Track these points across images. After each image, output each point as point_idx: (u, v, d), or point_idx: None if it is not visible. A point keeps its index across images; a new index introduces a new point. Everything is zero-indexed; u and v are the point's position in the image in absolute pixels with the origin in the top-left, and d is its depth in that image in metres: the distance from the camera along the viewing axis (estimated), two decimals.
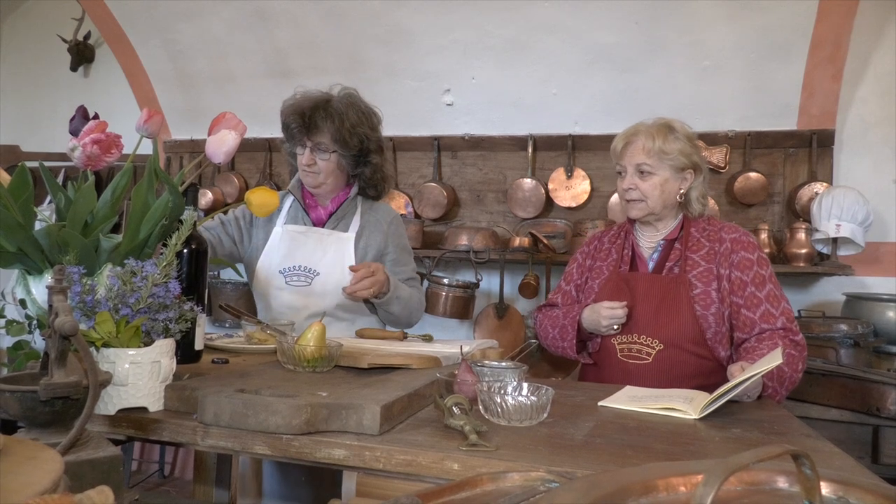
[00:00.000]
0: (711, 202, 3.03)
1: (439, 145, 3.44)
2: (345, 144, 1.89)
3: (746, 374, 1.28)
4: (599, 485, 0.53)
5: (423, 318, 3.28)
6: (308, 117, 1.86)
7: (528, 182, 3.28)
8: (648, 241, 1.81)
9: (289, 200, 2.04)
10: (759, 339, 1.61)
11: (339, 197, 2.01)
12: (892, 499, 0.52)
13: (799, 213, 2.96)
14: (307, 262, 1.92)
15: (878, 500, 0.53)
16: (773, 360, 1.28)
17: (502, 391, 1.16)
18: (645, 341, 1.68)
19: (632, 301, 1.70)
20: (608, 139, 3.13)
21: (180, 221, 1.29)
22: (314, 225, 1.99)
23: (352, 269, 1.82)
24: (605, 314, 1.68)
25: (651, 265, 1.78)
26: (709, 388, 1.47)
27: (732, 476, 0.47)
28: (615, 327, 1.69)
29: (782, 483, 0.56)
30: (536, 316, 1.98)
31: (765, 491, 0.56)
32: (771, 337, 1.60)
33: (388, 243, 2.01)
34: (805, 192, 2.94)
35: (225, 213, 1.98)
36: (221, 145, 1.38)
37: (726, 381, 1.39)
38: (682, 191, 1.76)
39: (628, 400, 1.34)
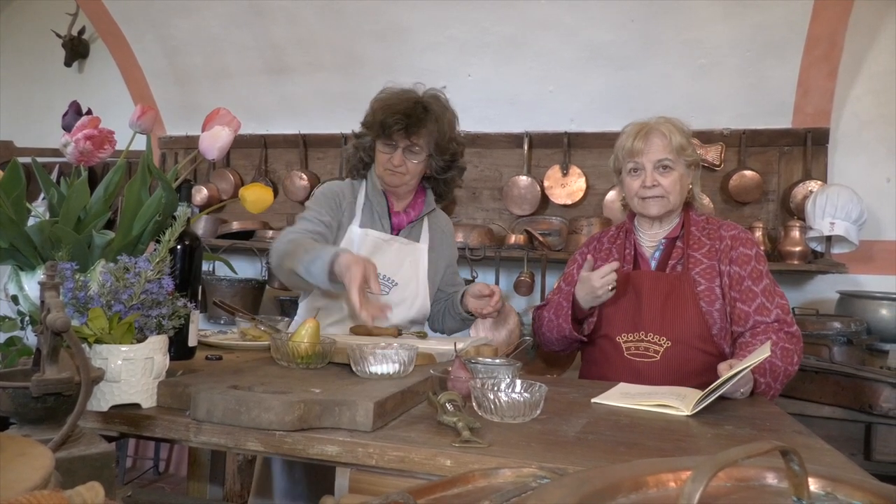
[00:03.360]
0: (706, 200, 3.04)
1: None
2: (442, 150, 1.85)
3: (736, 370, 1.28)
4: (589, 481, 0.53)
5: None
6: (414, 117, 1.78)
7: (523, 179, 3.28)
8: (650, 240, 1.81)
9: (361, 198, 1.91)
10: (753, 334, 1.62)
11: (418, 205, 1.94)
12: (879, 495, 0.52)
13: (793, 212, 2.97)
14: (387, 272, 1.83)
15: (865, 496, 0.53)
16: (761, 353, 1.28)
17: (495, 388, 1.16)
18: (652, 339, 1.68)
19: (637, 299, 1.71)
20: (604, 137, 3.19)
21: (174, 217, 1.28)
22: (392, 230, 1.91)
23: (483, 292, 1.79)
24: (597, 282, 1.65)
25: (654, 264, 1.78)
26: None
27: (722, 472, 0.47)
28: (610, 288, 1.66)
29: (771, 479, 0.57)
30: (533, 314, 1.98)
31: (754, 487, 0.56)
32: (765, 331, 1.60)
33: (451, 259, 2.01)
34: (800, 191, 2.95)
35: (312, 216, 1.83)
36: (215, 141, 1.38)
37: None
38: (690, 186, 1.79)
39: (621, 397, 1.35)
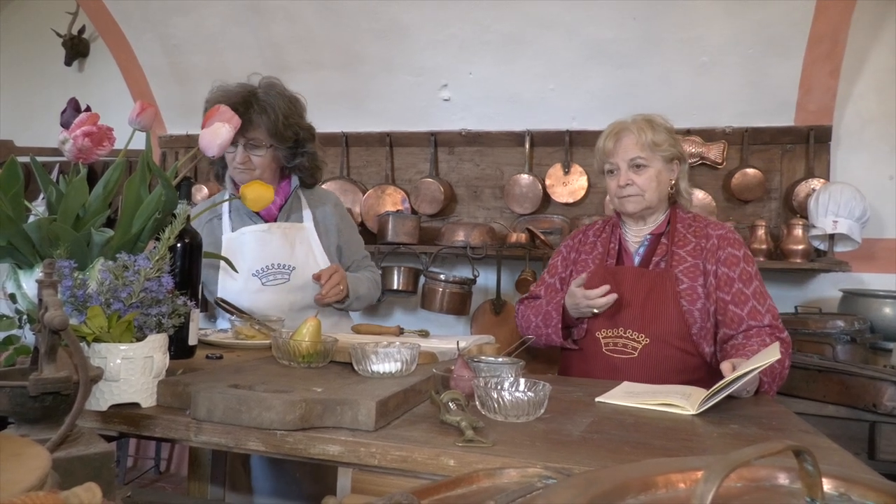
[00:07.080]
0: (709, 198, 3.03)
1: (436, 141, 3.42)
2: (281, 137, 1.86)
3: (746, 369, 1.27)
4: (597, 482, 0.52)
5: (419, 312, 3.28)
6: (241, 114, 1.77)
7: (525, 178, 3.27)
8: (635, 236, 1.81)
9: (225, 207, 1.95)
10: (746, 336, 1.61)
11: (282, 189, 1.97)
12: (894, 495, 0.51)
13: (796, 210, 2.96)
14: (280, 259, 1.88)
15: (880, 497, 0.52)
16: (770, 355, 1.27)
17: (499, 387, 1.15)
18: (631, 336, 1.67)
19: (618, 295, 1.69)
20: None
21: (174, 215, 1.27)
22: (266, 220, 1.94)
23: (315, 277, 1.82)
24: (583, 304, 1.65)
25: (637, 259, 1.77)
26: (694, 384, 1.47)
27: (733, 472, 0.46)
28: (595, 311, 1.66)
29: (783, 479, 0.55)
30: (518, 308, 1.95)
31: (765, 487, 0.55)
32: (758, 334, 1.60)
33: (341, 228, 2.03)
34: (802, 189, 2.94)
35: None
36: (215, 138, 1.37)
37: (711, 376, 1.36)
38: (672, 181, 1.77)
39: (625, 396, 1.34)
